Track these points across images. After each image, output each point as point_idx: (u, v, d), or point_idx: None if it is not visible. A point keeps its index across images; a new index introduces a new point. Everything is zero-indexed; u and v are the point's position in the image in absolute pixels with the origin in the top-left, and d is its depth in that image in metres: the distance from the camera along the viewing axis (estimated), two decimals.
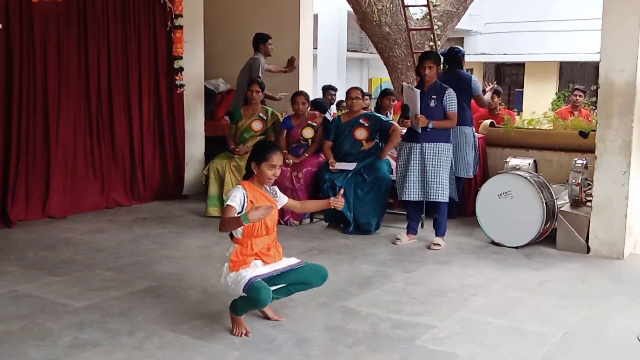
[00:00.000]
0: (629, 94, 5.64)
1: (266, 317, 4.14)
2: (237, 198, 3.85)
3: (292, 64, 8.45)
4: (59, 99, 7.01)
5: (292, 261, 4.07)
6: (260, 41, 8.28)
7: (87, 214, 7.13)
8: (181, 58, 8.00)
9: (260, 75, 8.04)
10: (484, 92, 7.43)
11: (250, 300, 3.78)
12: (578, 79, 22.63)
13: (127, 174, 7.75)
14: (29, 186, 6.81)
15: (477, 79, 7.37)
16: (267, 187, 4.08)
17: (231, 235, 3.98)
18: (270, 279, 3.87)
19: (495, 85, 8.06)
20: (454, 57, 7.20)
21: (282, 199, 4.20)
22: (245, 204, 3.86)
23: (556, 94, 22.15)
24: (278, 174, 4.02)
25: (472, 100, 7.16)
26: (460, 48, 7.50)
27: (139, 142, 7.81)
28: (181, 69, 8.01)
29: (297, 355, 3.63)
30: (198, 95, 8.51)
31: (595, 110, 6.19)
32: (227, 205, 3.84)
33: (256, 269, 3.87)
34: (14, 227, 6.44)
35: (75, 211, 7.11)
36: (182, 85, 8.06)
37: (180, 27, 7.98)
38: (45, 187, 6.94)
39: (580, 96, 8.89)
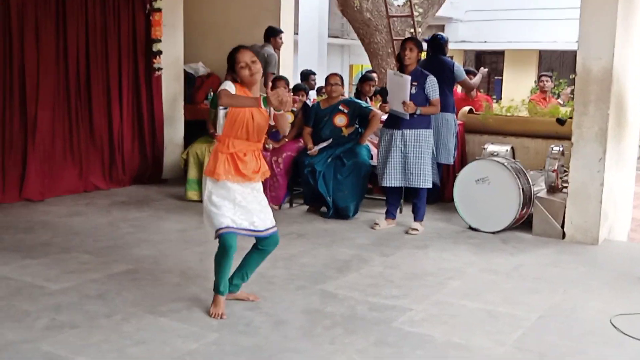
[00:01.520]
0: (605, 81, 5.70)
1: (242, 300, 4.16)
2: (230, 86, 3.81)
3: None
4: (38, 81, 6.95)
5: (264, 222, 3.94)
6: (272, 34, 8.34)
7: (65, 197, 7.09)
8: (160, 41, 7.96)
9: (274, 70, 8.15)
10: (469, 75, 7.51)
11: (222, 253, 3.87)
12: (557, 67, 22.82)
13: (105, 157, 7.70)
14: (6, 169, 6.76)
15: (459, 66, 7.41)
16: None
17: (213, 133, 3.92)
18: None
19: (485, 71, 8.16)
20: (437, 43, 7.23)
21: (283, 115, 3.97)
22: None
23: (535, 82, 22.32)
24: (257, 70, 3.87)
25: (454, 87, 7.22)
26: (443, 35, 7.53)
27: (117, 125, 7.76)
28: (160, 52, 7.97)
29: (275, 337, 3.65)
30: (177, 78, 8.47)
31: (559, 98, 6.27)
32: (224, 89, 3.76)
33: (226, 211, 3.81)
34: None
35: (53, 194, 7.07)
36: (160, 69, 8.02)
37: (159, 9, 7.94)
38: (22, 170, 6.88)
39: (547, 81, 8.95)
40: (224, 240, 3.82)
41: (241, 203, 3.86)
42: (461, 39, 23.84)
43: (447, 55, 7.36)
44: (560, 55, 23.48)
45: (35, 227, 5.88)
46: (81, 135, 7.46)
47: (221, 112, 3.86)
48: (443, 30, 23.11)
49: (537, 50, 23.57)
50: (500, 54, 24.48)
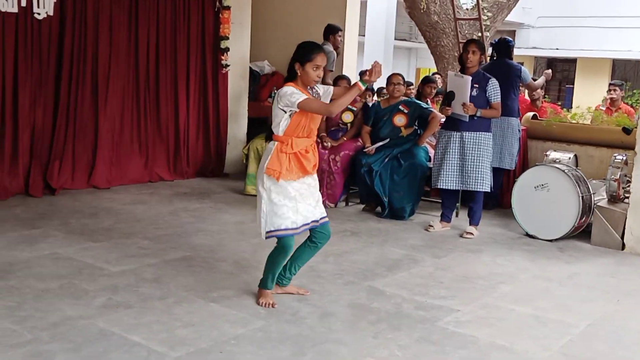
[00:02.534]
0: None
1: (291, 293, 4.23)
2: (298, 93, 3.80)
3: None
4: (109, 73, 7.24)
5: (320, 211, 4.02)
6: (331, 32, 8.39)
7: (130, 186, 7.35)
8: (228, 38, 8.15)
9: (332, 68, 8.19)
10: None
11: (281, 253, 3.96)
12: (631, 76, 22.16)
13: (171, 149, 7.94)
14: (76, 156, 7.05)
15: (526, 69, 7.34)
16: (310, 89, 3.96)
17: (270, 136, 3.94)
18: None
19: (549, 73, 8.05)
20: (505, 46, 7.17)
21: (328, 92, 4.05)
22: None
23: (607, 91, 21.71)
24: (321, 76, 3.91)
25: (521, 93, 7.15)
26: (510, 39, 7.47)
27: (184, 119, 7.99)
28: (227, 50, 8.16)
29: (320, 328, 3.73)
30: (243, 76, 8.65)
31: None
32: (303, 100, 3.76)
33: (286, 210, 3.84)
34: (59, 195, 6.68)
35: (119, 183, 7.34)
36: (227, 66, 8.21)
37: (228, 7, 8.13)
38: (92, 158, 7.17)
39: (614, 91, 8.64)
40: (284, 241, 3.89)
41: (299, 199, 3.90)
42: (532, 45, 23.39)
43: (514, 60, 7.30)
44: (635, 65, 22.78)
45: (100, 213, 6.13)
46: (148, 127, 7.71)
47: (285, 115, 3.84)
48: (514, 36, 22.77)
49: (611, 59, 22.91)
50: (572, 61, 23.90)
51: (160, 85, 7.74)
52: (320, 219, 4.01)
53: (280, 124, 3.87)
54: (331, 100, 4.02)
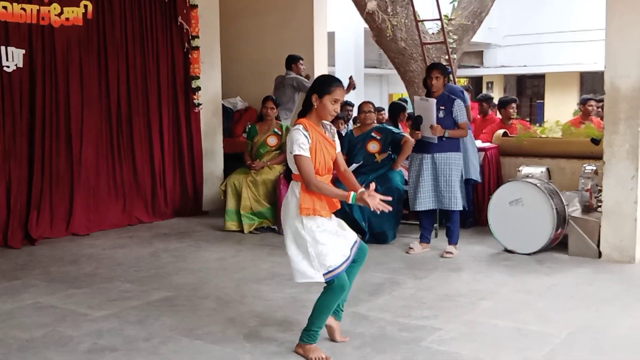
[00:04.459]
0: (634, 99, 5.72)
1: (332, 339, 3.99)
2: (304, 145, 3.62)
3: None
4: (82, 121, 7.29)
5: (351, 233, 3.87)
6: (293, 61, 8.70)
7: (109, 231, 7.35)
8: (198, 78, 8.26)
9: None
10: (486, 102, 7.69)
11: (337, 294, 3.71)
12: (599, 88, 22.42)
13: (148, 191, 7.97)
14: (53, 205, 7.06)
15: (467, 96, 7.52)
16: (326, 125, 3.83)
17: (288, 175, 3.79)
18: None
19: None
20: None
21: (337, 142, 3.89)
22: (310, 144, 3.66)
23: (577, 104, 22.07)
24: (338, 110, 3.77)
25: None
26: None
27: (159, 160, 8.04)
28: (198, 89, 8.26)
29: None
30: (216, 113, 8.74)
31: None
32: (301, 156, 3.60)
33: (336, 246, 3.67)
34: (39, 244, 6.67)
35: (98, 228, 7.34)
36: (199, 105, 8.30)
37: (197, 47, 8.24)
38: (69, 206, 7.18)
39: (595, 106, 8.83)
40: (341, 279, 3.67)
41: (339, 233, 3.77)
42: (500, 64, 23.78)
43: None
44: (602, 77, 23.13)
45: (81, 259, 6.13)
46: (124, 171, 7.75)
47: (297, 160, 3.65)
48: (482, 56, 23.16)
49: (578, 72, 23.34)
50: (540, 77, 24.31)
51: (133, 129, 7.79)
52: (355, 241, 3.83)
53: (292, 165, 3.72)
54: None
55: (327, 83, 3.73)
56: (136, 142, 7.83)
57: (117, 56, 7.60)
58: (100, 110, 7.49)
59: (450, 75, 7.48)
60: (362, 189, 3.71)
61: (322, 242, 3.65)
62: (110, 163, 7.63)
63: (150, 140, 7.96)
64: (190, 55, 8.22)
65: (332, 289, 3.69)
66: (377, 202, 3.62)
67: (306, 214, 3.63)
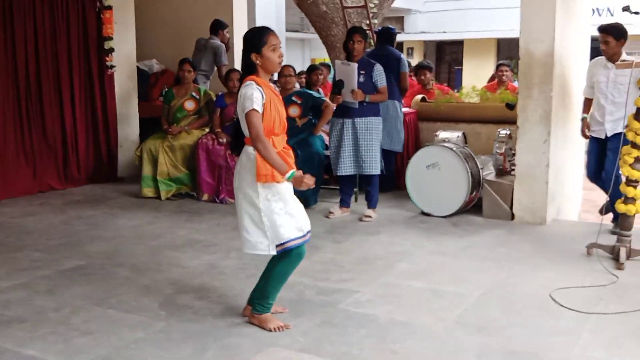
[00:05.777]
0: (547, 64, 5.85)
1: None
2: (259, 100, 3.41)
3: None
4: None
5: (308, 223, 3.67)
6: (220, 27, 8.41)
7: (19, 199, 7.04)
8: (111, 39, 7.93)
9: (226, 62, 8.27)
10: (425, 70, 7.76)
11: (294, 263, 3.60)
12: (516, 54, 23.06)
13: (59, 157, 7.66)
14: None
15: (405, 59, 7.55)
16: (274, 86, 3.66)
17: (236, 143, 3.65)
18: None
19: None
20: (387, 35, 7.46)
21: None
22: (264, 101, 3.45)
23: (494, 70, 22.60)
24: (283, 56, 3.57)
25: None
26: (393, 27, 7.76)
27: (70, 124, 7.72)
28: (112, 50, 7.94)
29: (221, 323, 3.71)
30: (130, 76, 8.45)
31: None
32: (253, 110, 3.39)
33: (292, 219, 3.51)
34: None
35: (6, 196, 7.01)
36: (112, 67, 7.99)
37: (110, 7, 7.90)
38: None
39: (506, 71, 9.03)
40: (299, 250, 3.56)
41: (294, 202, 3.58)
42: (420, 30, 24.04)
43: (406, 47, 7.53)
44: (518, 43, 23.74)
45: None
46: (34, 136, 7.40)
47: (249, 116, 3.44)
48: (402, 22, 23.30)
49: (496, 38, 23.87)
50: (459, 43, 24.74)
51: (43, 93, 7.44)
52: (308, 232, 3.64)
53: (246, 125, 3.48)
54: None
55: (258, 35, 3.51)
56: (46, 107, 7.48)
57: (23, 13, 7.19)
58: (6, 71, 7.08)
59: (394, 39, 7.48)
60: (300, 172, 3.55)
61: (277, 212, 3.49)
62: (19, 127, 7.27)
63: (61, 105, 7.62)
64: (102, 15, 7.88)
65: (289, 257, 3.57)
66: (307, 182, 3.53)
67: (264, 180, 3.44)
